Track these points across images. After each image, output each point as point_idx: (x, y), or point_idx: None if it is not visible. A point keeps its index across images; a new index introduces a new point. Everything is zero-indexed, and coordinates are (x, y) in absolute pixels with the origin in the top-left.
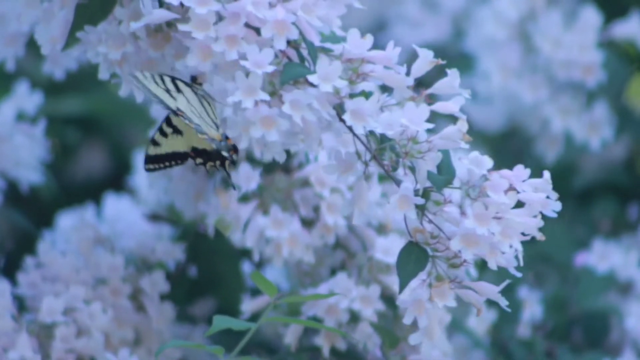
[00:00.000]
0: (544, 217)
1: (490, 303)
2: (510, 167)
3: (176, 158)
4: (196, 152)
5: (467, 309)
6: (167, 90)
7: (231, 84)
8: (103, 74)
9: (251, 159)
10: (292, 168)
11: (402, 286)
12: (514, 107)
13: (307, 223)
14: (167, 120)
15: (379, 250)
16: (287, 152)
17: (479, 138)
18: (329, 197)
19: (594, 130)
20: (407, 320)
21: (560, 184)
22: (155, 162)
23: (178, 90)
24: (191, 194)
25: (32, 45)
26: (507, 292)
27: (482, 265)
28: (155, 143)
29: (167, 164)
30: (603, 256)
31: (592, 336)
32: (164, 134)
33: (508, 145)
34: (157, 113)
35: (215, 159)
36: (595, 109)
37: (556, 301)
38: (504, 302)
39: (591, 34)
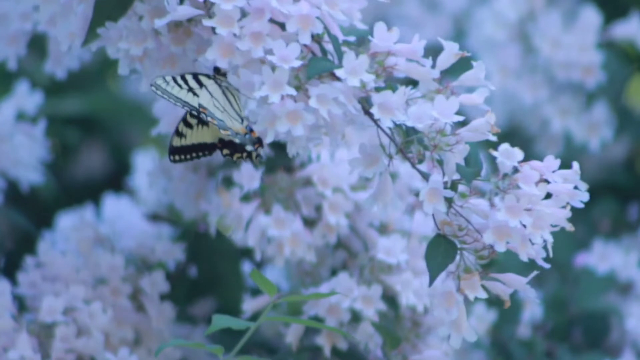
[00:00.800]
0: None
1: (490, 303)
2: None
3: (203, 149)
4: (223, 143)
5: (467, 309)
6: (190, 89)
7: (257, 77)
8: (123, 70)
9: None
10: (295, 167)
11: (432, 278)
12: (514, 107)
13: (309, 223)
14: (190, 112)
15: (380, 250)
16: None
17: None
18: (331, 197)
19: (594, 131)
20: (437, 312)
21: None
22: (180, 152)
23: (200, 85)
24: (192, 193)
25: (33, 45)
26: None
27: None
28: (180, 134)
29: (193, 155)
30: (603, 256)
31: (592, 336)
32: (188, 125)
33: None
34: (159, 112)
35: (242, 151)
36: (595, 109)
37: (556, 301)
38: (532, 294)
39: (591, 35)
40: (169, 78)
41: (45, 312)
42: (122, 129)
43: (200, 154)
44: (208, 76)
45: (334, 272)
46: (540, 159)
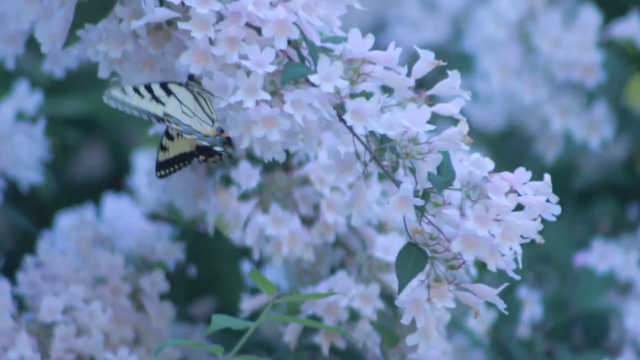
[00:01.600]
0: (543, 217)
1: (490, 303)
2: (510, 167)
3: (184, 159)
4: (199, 150)
5: (466, 309)
6: (154, 98)
7: (231, 80)
8: (103, 73)
9: (251, 157)
10: (292, 166)
11: (402, 286)
12: (514, 107)
13: (307, 221)
14: (150, 119)
15: (378, 248)
16: (287, 151)
17: (479, 138)
18: (329, 196)
19: (594, 130)
20: (405, 320)
21: (560, 183)
22: (165, 167)
23: (169, 93)
24: (190, 192)
25: (32, 45)
26: (507, 292)
27: (481, 266)
28: (163, 148)
29: (176, 166)
30: (603, 256)
31: (592, 336)
32: (170, 137)
33: (508, 145)
34: None
35: (214, 154)
36: (595, 108)
37: (556, 301)
38: (502, 305)
39: (591, 34)
40: (128, 88)
41: (45, 312)
42: (122, 129)
43: (182, 164)
44: (179, 84)
45: (332, 271)
46: (540, 158)
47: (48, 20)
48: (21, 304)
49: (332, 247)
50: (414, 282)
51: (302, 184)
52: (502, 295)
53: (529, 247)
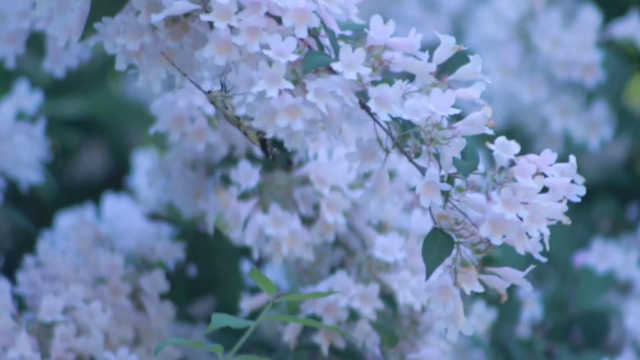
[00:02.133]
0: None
1: (489, 302)
2: None
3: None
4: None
5: (466, 308)
6: None
7: (257, 73)
8: (120, 65)
9: (251, 157)
10: (292, 166)
11: (429, 272)
12: (514, 106)
13: (307, 221)
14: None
15: (378, 248)
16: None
17: (479, 137)
18: (329, 195)
19: (593, 130)
20: (434, 307)
21: None
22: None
23: None
24: (190, 192)
25: (33, 45)
26: (507, 291)
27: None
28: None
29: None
30: (602, 256)
31: (592, 336)
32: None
33: None
34: (156, 110)
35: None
36: (595, 108)
37: (556, 301)
38: (529, 287)
39: (590, 34)
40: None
41: (45, 312)
42: (122, 129)
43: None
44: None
45: (333, 270)
46: None
47: (64, 14)
48: (21, 304)
49: (333, 246)
50: (441, 268)
51: (302, 183)
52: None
53: None
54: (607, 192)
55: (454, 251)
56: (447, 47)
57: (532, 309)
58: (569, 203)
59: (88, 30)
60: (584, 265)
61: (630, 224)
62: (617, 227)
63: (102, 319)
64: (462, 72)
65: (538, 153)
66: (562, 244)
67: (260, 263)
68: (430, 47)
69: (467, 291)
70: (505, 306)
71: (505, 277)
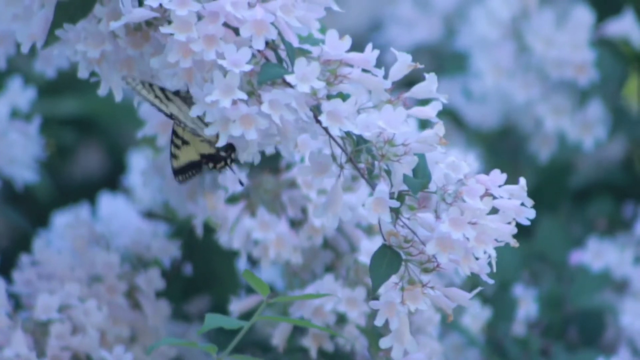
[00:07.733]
0: (539, 215)
1: (486, 300)
2: (506, 166)
3: (193, 167)
4: (205, 158)
5: (462, 308)
6: (157, 97)
7: (209, 84)
8: (82, 73)
9: (237, 161)
10: (280, 169)
11: (375, 288)
12: (509, 106)
13: (296, 224)
14: (174, 133)
15: (363, 252)
16: (276, 153)
17: (474, 136)
18: (316, 199)
19: (587, 130)
20: (378, 321)
21: (556, 182)
22: (181, 173)
23: (167, 98)
24: (185, 192)
25: None
26: (502, 290)
27: None
28: (174, 156)
29: (189, 173)
30: (598, 254)
31: (588, 334)
32: (177, 146)
33: (503, 144)
34: (145, 114)
35: (220, 160)
36: (589, 108)
37: (551, 299)
38: (475, 308)
39: (583, 33)
40: (136, 80)
41: (41, 310)
42: (118, 129)
43: (194, 171)
44: (174, 92)
45: (328, 270)
46: (536, 157)
47: (28, 20)
48: (17, 303)
49: (323, 248)
50: (388, 285)
51: (290, 186)
52: (497, 293)
53: (524, 245)
54: (604, 191)
55: (402, 268)
56: (403, 64)
57: (527, 307)
58: (566, 201)
59: (51, 36)
60: (580, 263)
61: (626, 223)
62: (612, 226)
63: (97, 317)
64: (418, 89)
65: (532, 153)
66: (558, 243)
67: (256, 262)
68: (423, 48)
69: (412, 309)
70: (501, 304)
71: (452, 297)
